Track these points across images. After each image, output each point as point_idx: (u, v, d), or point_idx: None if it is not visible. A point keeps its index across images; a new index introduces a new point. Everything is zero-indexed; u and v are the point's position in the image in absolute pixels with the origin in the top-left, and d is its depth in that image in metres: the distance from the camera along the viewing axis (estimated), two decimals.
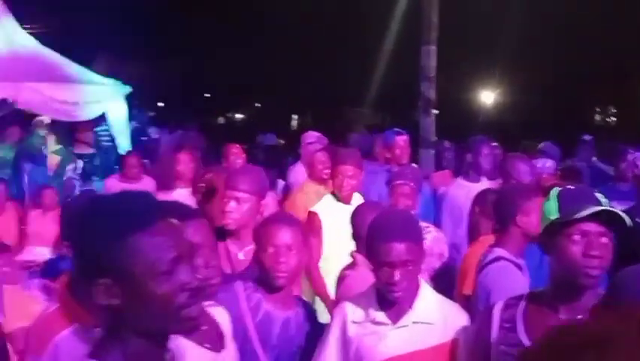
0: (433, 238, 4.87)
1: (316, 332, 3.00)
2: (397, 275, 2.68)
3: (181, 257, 1.60)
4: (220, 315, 2.54)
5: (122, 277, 1.56)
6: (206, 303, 2.40)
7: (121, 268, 1.56)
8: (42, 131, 10.37)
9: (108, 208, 1.62)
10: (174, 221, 1.64)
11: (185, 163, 5.98)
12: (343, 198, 5.07)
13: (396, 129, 6.61)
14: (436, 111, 11.15)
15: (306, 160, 6.56)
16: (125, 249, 1.55)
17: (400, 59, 17.49)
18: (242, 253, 3.54)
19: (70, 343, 2.34)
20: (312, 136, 7.47)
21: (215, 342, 2.43)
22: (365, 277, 3.50)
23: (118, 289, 1.57)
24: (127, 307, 1.59)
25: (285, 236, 2.95)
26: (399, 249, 2.69)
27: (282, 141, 18.97)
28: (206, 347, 2.36)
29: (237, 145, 6.87)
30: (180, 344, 2.15)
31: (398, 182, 4.87)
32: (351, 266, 3.89)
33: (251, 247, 3.25)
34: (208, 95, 29.59)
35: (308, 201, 5.33)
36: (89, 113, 11.33)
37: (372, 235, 2.82)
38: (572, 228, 2.39)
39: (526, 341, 2.44)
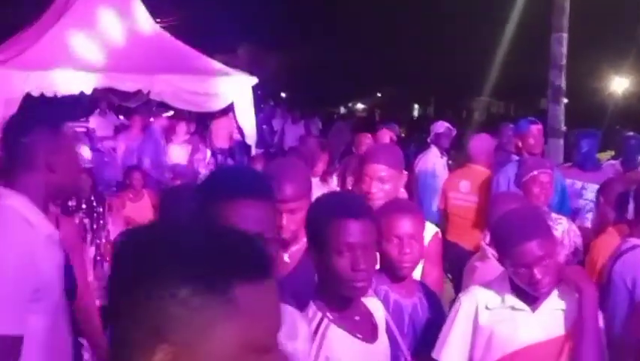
0: (565, 230, 4.72)
1: (441, 317, 2.99)
2: (538, 274, 2.64)
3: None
4: (374, 306, 2.54)
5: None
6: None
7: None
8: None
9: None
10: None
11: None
12: None
13: (530, 118, 6.41)
14: (565, 100, 10.84)
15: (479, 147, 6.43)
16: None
17: (527, 45, 17.00)
18: (287, 255, 3.13)
19: None
20: (442, 126, 7.39)
21: (368, 333, 2.43)
22: (495, 270, 3.44)
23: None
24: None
25: (407, 226, 2.96)
26: (531, 248, 2.64)
27: (403, 131, 18.87)
28: (358, 338, 2.36)
29: (369, 135, 6.83)
30: (334, 333, 2.17)
31: (538, 171, 4.71)
32: (480, 258, 3.82)
33: (297, 247, 3.08)
34: (330, 85, 29.77)
35: None
36: (217, 104, 11.62)
37: (501, 239, 2.79)
38: None
39: None
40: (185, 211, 2.37)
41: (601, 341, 2.65)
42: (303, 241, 3.05)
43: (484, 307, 2.79)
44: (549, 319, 2.72)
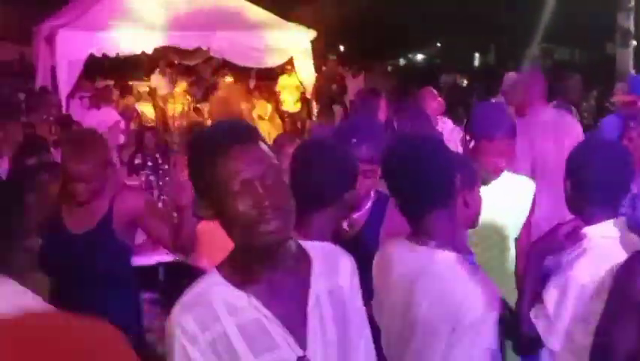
0: None
1: None
2: None
3: (253, 178, 1.74)
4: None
5: (210, 198, 1.79)
6: None
7: (207, 189, 1.79)
8: None
9: (198, 138, 1.86)
10: (258, 145, 1.79)
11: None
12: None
13: None
14: (634, 43, 10.53)
15: None
16: (208, 172, 1.77)
17: None
18: (346, 222, 2.94)
19: None
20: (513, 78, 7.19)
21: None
22: None
23: (211, 209, 1.80)
24: (221, 223, 1.80)
25: None
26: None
27: (465, 80, 18.60)
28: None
29: (432, 88, 6.63)
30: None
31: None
32: None
33: (359, 214, 2.99)
34: (388, 37, 29.40)
35: None
36: (275, 59, 11.59)
37: None
38: None
39: None
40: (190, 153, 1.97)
41: None
42: (365, 209, 3.00)
43: None
44: None
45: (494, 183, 3.27)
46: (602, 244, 2.54)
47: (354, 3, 22.92)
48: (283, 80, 12.59)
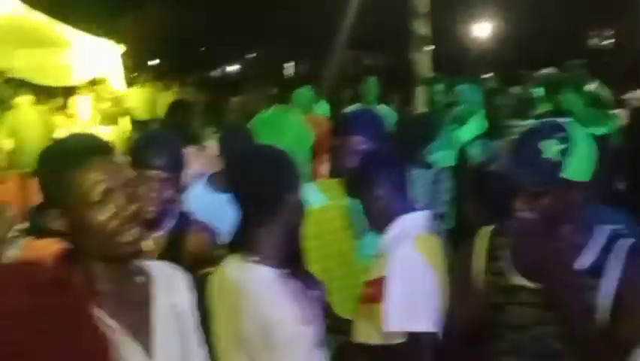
0: None
1: None
2: None
3: (113, 189, 1.82)
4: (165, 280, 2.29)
5: (65, 208, 1.84)
6: None
7: (63, 200, 1.83)
8: None
9: (54, 149, 1.91)
10: (114, 158, 1.88)
11: None
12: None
13: None
14: (431, 47, 11.10)
15: None
16: (65, 183, 1.81)
17: None
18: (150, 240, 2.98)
19: None
20: None
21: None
22: None
23: (64, 219, 1.84)
24: (74, 234, 1.86)
25: None
26: None
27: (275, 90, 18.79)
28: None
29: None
30: None
31: None
32: None
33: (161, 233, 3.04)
34: (202, 49, 29.32)
35: None
36: (82, 76, 11.22)
37: None
38: None
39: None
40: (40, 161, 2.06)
41: None
42: (166, 228, 2.98)
43: None
44: None
45: None
46: (415, 232, 2.80)
47: (166, 18, 22.66)
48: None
